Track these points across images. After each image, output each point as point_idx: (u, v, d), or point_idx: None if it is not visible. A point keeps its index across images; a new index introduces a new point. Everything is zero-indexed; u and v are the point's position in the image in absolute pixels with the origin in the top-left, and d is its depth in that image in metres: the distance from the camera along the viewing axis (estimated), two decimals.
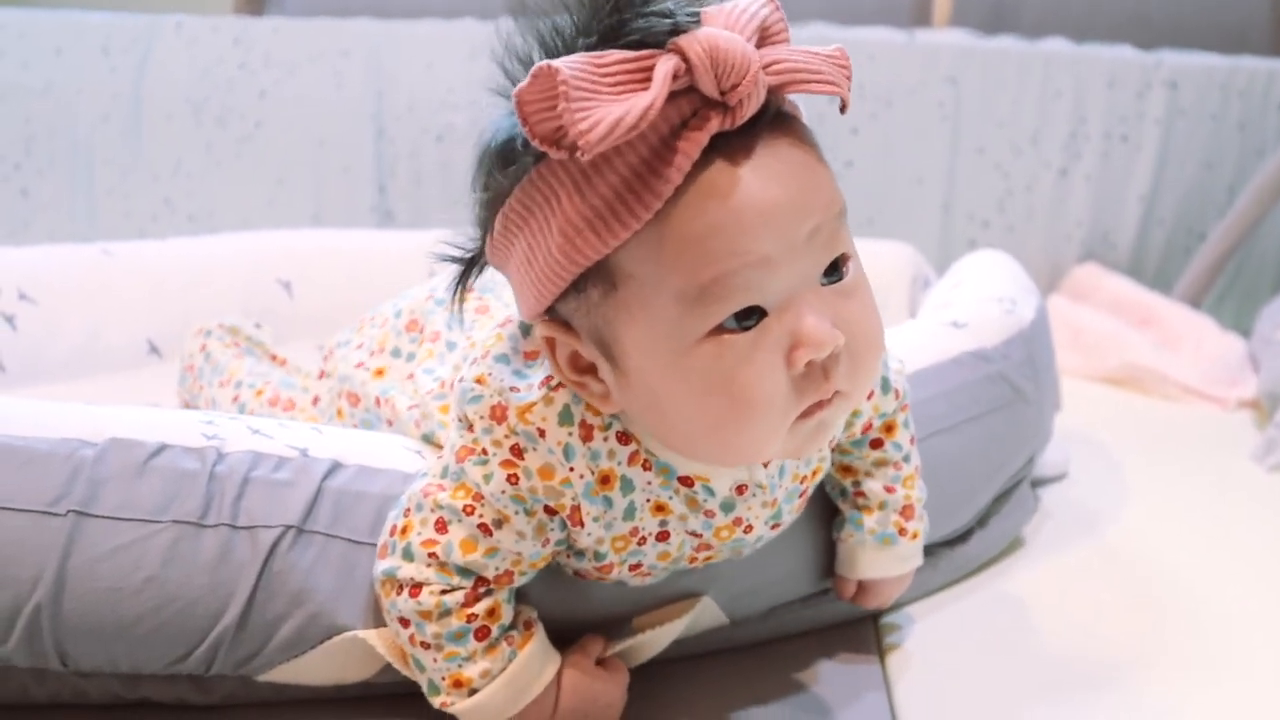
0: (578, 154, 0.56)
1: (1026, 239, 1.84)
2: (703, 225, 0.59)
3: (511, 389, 0.68)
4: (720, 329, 0.61)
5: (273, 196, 1.93)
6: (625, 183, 0.58)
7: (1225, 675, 0.84)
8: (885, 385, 0.79)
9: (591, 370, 0.66)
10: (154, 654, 0.68)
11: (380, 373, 0.88)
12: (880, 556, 0.83)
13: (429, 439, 0.81)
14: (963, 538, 0.96)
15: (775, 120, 0.61)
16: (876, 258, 1.41)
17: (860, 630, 0.89)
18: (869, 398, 0.78)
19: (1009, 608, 0.93)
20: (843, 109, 0.62)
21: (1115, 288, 1.74)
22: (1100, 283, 1.76)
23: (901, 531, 0.82)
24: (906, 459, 0.83)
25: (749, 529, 0.74)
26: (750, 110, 0.59)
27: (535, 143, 0.57)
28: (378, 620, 0.71)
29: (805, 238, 0.61)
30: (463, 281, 0.69)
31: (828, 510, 0.85)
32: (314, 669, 0.71)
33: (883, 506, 0.82)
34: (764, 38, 0.61)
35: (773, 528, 0.76)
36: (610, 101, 0.56)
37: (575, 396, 0.67)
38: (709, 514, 0.71)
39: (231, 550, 0.68)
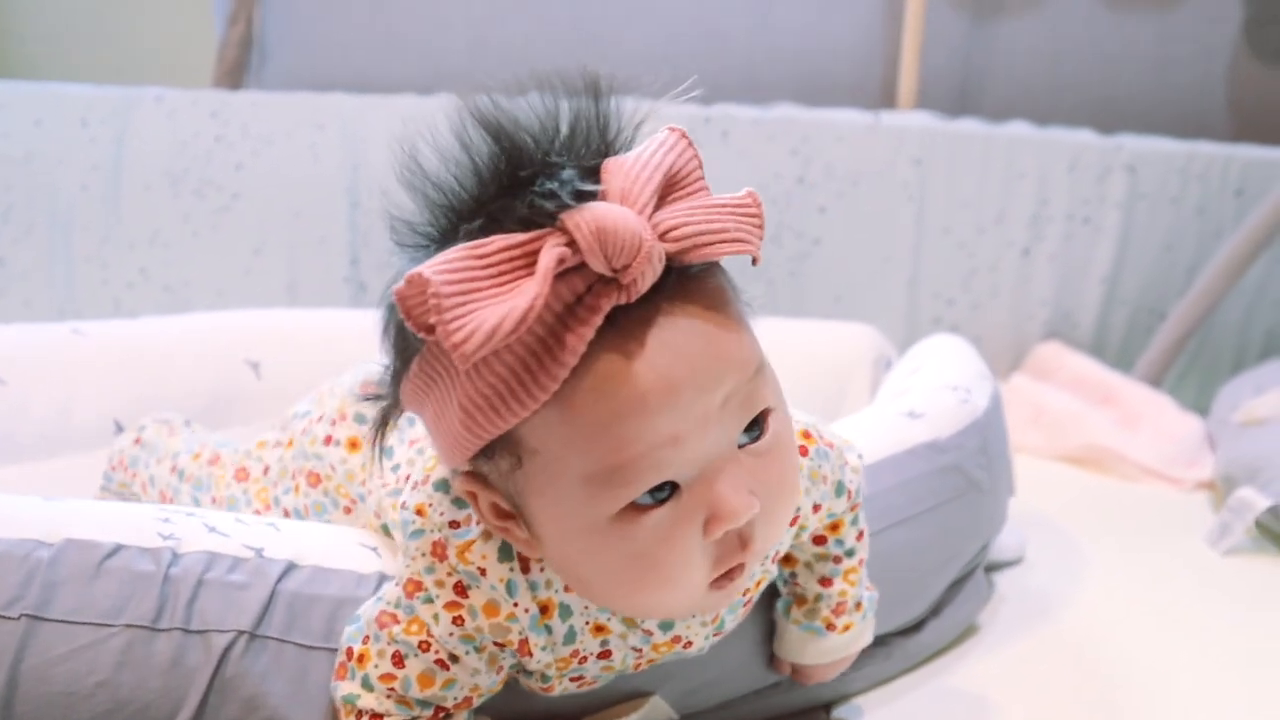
0: (458, 363, 0.54)
1: (991, 317, 1.87)
2: (605, 410, 0.57)
3: (451, 524, 0.67)
4: (633, 506, 0.59)
5: (248, 267, 1.94)
6: (519, 366, 0.56)
7: None
8: (839, 489, 0.78)
9: (514, 517, 0.64)
10: None
11: (354, 445, 0.87)
12: (807, 646, 0.83)
13: (387, 531, 0.82)
14: (916, 627, 0.97)
15: (678, 285, 0.58)
16: (838, 340, 1.44)
17: None
18: (815, 510, 0.77)
19: (962, 697, 0.94)
20: (754, 263, 0.59)
21: (1077, 366, 1.77)
22: (1063, 361, 1.79)
23: (830, 626, 0.82)
24: (850, 553, 0.82)
25: (688, 645, 0.74)
26: (645, 285, 0.56)
27: (421, 335, 0.55)
28: None
29: (717, 407, 0.59)
30: (382, 427, 0.66)
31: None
32: None
33: (817, 599, 0.82)
34: (672, 188, 0.59)
35: (715, 636, 0.76)
36: (491, 299, 0.54)
37: None
38: (648, 633, 0.72)
39: (184, 655, 0.68)
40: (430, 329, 0.54)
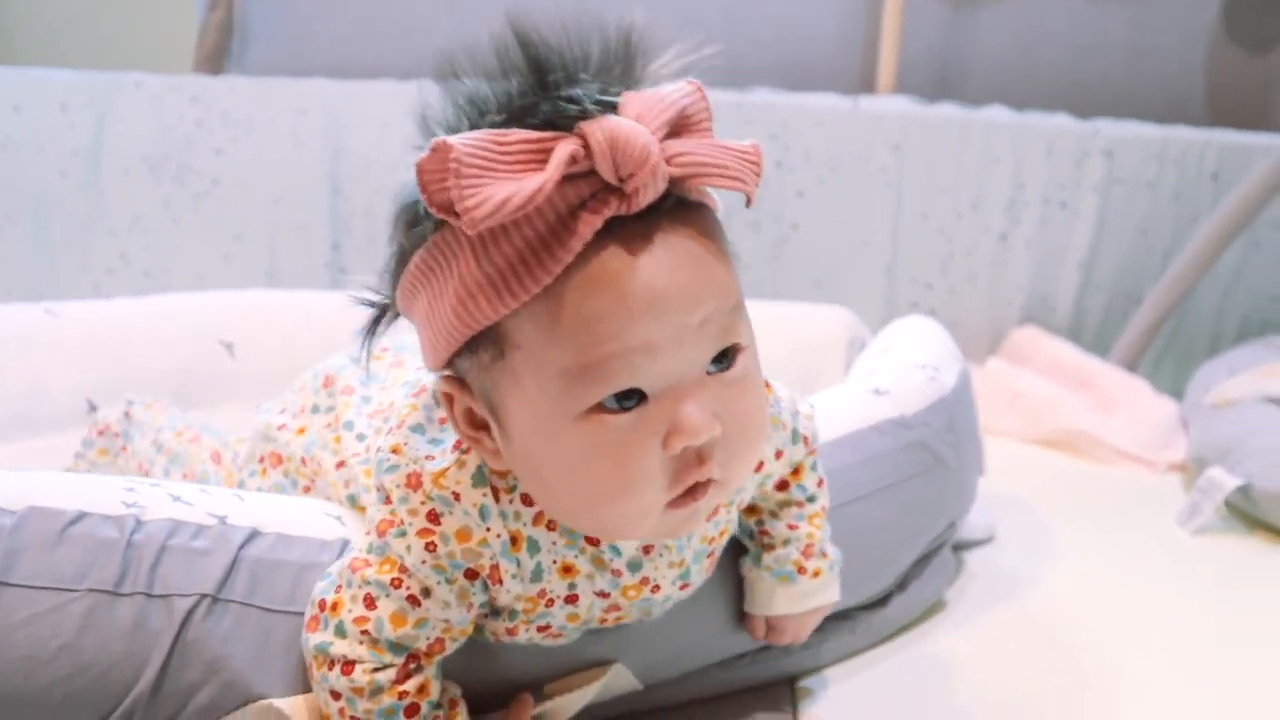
0: (464, 228, 0.58)
1: (968, 302, 1.88)
2: (590, 308, 0.61)
3: (426, 457, 0.70)
4: (600, 407, 0.63)
5: (229, 252, 1.95)
6: (520, 254, 0.60)
7: None
8: (794, 436, 0.81)
9: (486, 427, 0.68)
10: None
11: (301, 431, 0.90)
12: (780, 593, 0.84)
13: (354, 501, 0.83)
14: (882, 601, 0.98)
15: (676, 210, 0.63)
16: (813, 323, 1.44)
17: (776, 693, 0.90)
18: (777, 457, 0.80)
19: (926, 671, 0.95)
20: (747, 203, 0.64)
21: (1054, 351, 1.78)
22: (1040, 346, 1.80)
23: (800, 570, 0.84)
24: (812, 499, 0.85)
25: (656, 589, 0.75)
26: (647, 198, 0.61)
27: (433, 210, 0.59)
28: (293, 688, 0.72)
29: (695, 327, 0.63)
30: (373, 327, 0.70)
31: (740, 577, 0.87)
32: None
33: (786, 544, 0.84)
34: (682, 126, 0.63)
35: (681, 588, 0.78)
36: (505, 179, 0.58)
37: (484, 460, 0.69)
38: (616, 573, 0.73)
39: (147, 619, 0.69)
40: (444, 205, 0.58)
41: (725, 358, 0.65)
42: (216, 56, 2.11)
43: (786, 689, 0.91)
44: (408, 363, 0.89)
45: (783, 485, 0.84)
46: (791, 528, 0.84)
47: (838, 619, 0.93)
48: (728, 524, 0.79)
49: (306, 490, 0.88)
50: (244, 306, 1.38)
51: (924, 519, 1.01)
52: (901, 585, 1.01)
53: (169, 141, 1.93)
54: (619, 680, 0.81)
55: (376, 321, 0.70)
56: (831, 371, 1.39)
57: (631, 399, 0.63)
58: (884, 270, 1.89)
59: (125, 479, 0.77)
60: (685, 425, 0.63)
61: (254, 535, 0.74)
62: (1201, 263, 1.71)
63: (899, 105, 1.88)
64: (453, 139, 0.58)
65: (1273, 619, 1.06)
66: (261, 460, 0.93)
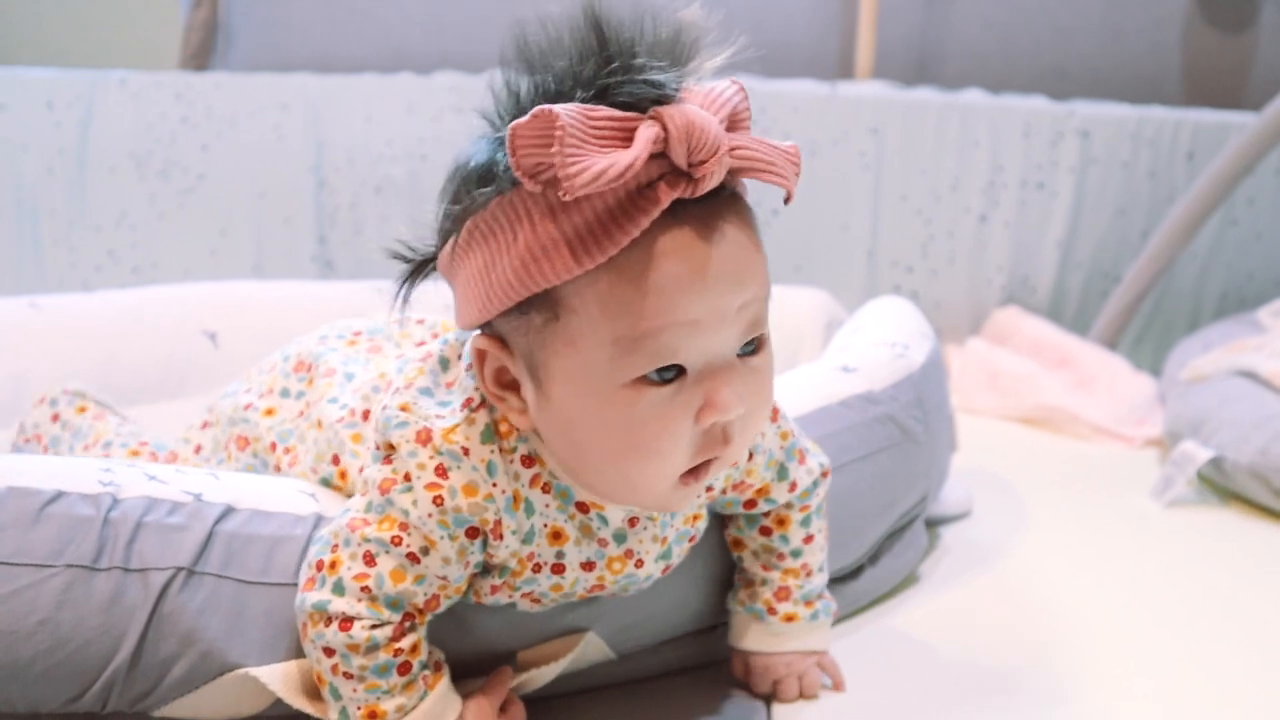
0: (561, 193, 0.61)
1: (949, 283, 1.90)
2: (649, 281, 0.65)
3: (436, 415, 0.73)
4: (644, 378, 0.67)
5: (215, 247, 1.96)
6: (589, 225, 0.64)
7: (1116, 709, 0.87)
8: (782, 473, 0.83)
9: (514, 387, 0.71)
10: (49, 694, 0.70)
11: (270, 412, 0.91)
12: (752, 629, 0.87)
13: (327, 482, 0.84)
14: (854, 574, 1.00)
15: (729, 199, 0.68)
16: (792, 305, 1.46)
17: None
18: (749, 458, 0.81)
19: (897, 643, 0.97)
20: (787, 200, 0.69)
21: (1034, 330, 1.80)
22: (1020, 325, 1.82)
23: (770, 610, 0.86)
24: (795, 554, 0.86)
25: (640, 563, 0.77)
26: (710, 185, 0.65)
27: (518, 174, 0.63)
28: (268, 657, 0.73)
29: (735, 310, 0.67)
30: (411, 279, 0.73)
31: (716, 546, 0.88)
32: (207, 704, 0.73)
33: (763, 584, 0.86)
34: (732, 123, 0.66)
35: (664, 570, 0.80)
36: (596, 152, 0.62)
37: (493, 419, 0.72)
38: (602, 543, 0.76)
39: (123, 593, 0.71)
40: (532, 169, 0.62)
41: (752, 344, 0.70)
42: (201, 53, 2.13)
43: None
44: (385, 349, 0.91)
45: (766, 531, 0.86)
46: (766, 569, 0.86)
47: None
48: (701, 509, 0.81)
49: (278, 470, 0.89)
50: (227, 297, 1.39)
51: (893, 492, 1.02)
52: (873, 558, 1.02)
53: (154, 138, 1.95)
54: (592, 649, 0.83)
55: (414, 274, 0.73)
56: (809, 353, 1.41)
57: (671, 371, 0.67)
58: (865, 254, 1.91)
59: (102, 460, 0.79)
60: (719, 401, 0.67)
61: (229, 511, 0.76)
62: (1179, 240, 1.73)
63: (877, 90, 1.90)
64: (555, 108, 0.61)
65: (1245, 590, 1.08)
66: (227, 446, 0.94)
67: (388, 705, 0.72)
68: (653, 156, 0.63)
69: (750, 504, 0.84)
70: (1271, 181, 1.85)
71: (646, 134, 0.62)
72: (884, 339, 1.12)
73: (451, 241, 0.69)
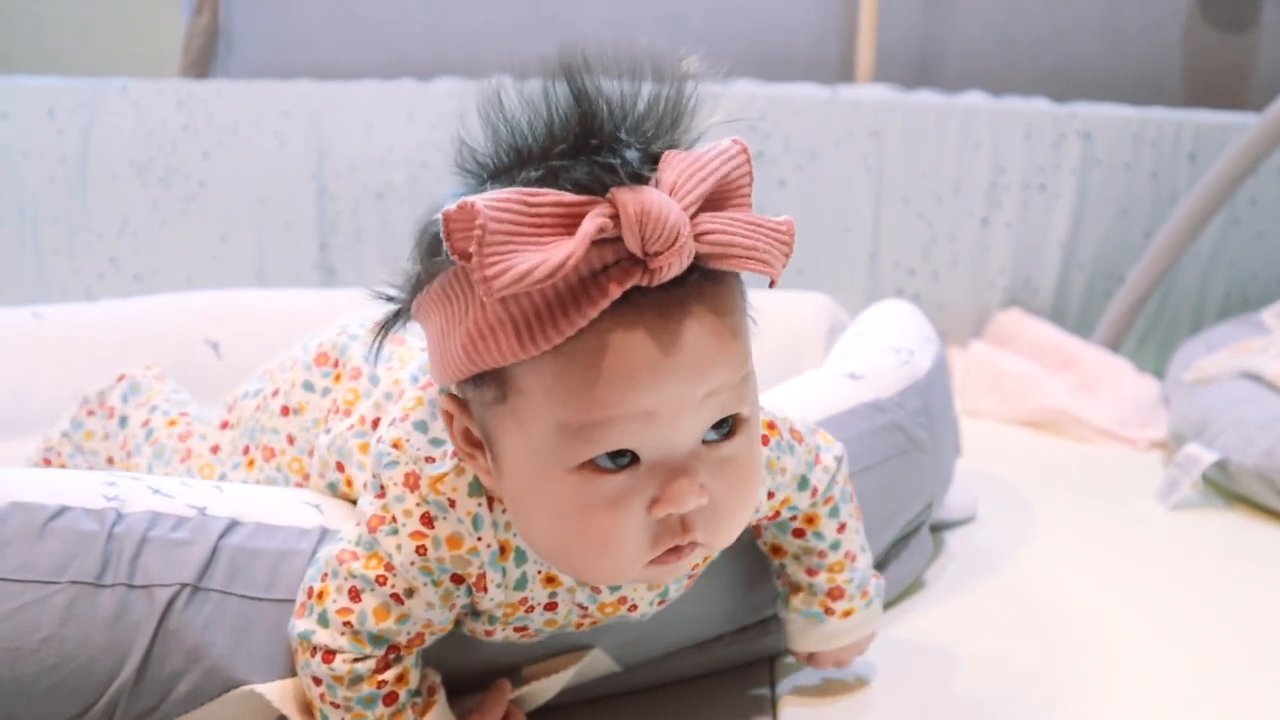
0: (481, 294, 0.57)
1: (951, 286, 1.90)
2: (597, 371, 0.60)
3: (426, 459, 0.71)
4: (593, 464, 0.63)
5: (217, 254, 1.96)
6: (536, 309, 0.59)
7: (1125, 711, 0.86)
8: (803, 483, 0.81)
9: (482, 447, 0.68)
10: (53, 710, 0.70)
11: (303, 408, 0.90)
12: (810, 633, 0.86)
13: (333, 488, 0.84)
14: None
15: (700, 282, 0.62)
16: (794, 310, 1.46)
17: (755, 672, 0.91)
18: (769, 497, 0.79)
19: (904, 650, 0.96)
20: (771, 284, 0.64)
21: (1037, 332, 1.79)
22: (1023, 328, 1.81)
23: (828, 611, 0.85)
24: (834, 546, 0.85)
25: (634, 608, 0.77)
26: (670, 274, 0.60)
27: (455, 258, 0.59)
28: (274, 674, 0.73)
29: (698, 399, 0.63)
30: (388, 326, 0.69)
31: (723, 557, 0.87)
32: None
33: (811, 590, 0.85)
34: (721, 195, 0.61)
35: (659, 604, 0.79)
36: (530, 245, 0.57)
37: None
38: (595, 590, 0.74)
39: (128, 609, 0.70)
40: (466, 256, 0.58)
41: (725, 425, 0.65)
42: (202, 61, 2.13)
43: (765, 668, 0.92)
44: (410, 341, 0.88)
45: (799, 533, 0.84)
46: (810, 574, 0.85)
47: None
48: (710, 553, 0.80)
49: (300, 487, 0.88)
50: (230, 306, 1.39)
51: (900, 500, 1.02)
52: (879, 566, 1.01)
53: (156, 145, 1.95)
54: (596, 664, 0.82)
55: (394, 319, 0.69)
56: (812, 358, 1.41)
57: (624, 457, 0.63)
58: (867, 257, 1.91)
59: (108, 474, 0.78)
60: (673, 494, 0.63)
61: (233, 525, 0.76)
62: (1181, 241, 1.73)
63: (878, 93, 1.90)
64: (480, 200, 0.57)
65: (1250, 592, 1.07)
66: (246, 451, 0.93)
67: None
68: (608, 240, 0.58)
69: (774, 515, 0.83)
70: (1274, 181, 1.84)
71: (589, 226, 0.57)
72: (889, 344, 1.12)
73: (424, 292, 0.65)
